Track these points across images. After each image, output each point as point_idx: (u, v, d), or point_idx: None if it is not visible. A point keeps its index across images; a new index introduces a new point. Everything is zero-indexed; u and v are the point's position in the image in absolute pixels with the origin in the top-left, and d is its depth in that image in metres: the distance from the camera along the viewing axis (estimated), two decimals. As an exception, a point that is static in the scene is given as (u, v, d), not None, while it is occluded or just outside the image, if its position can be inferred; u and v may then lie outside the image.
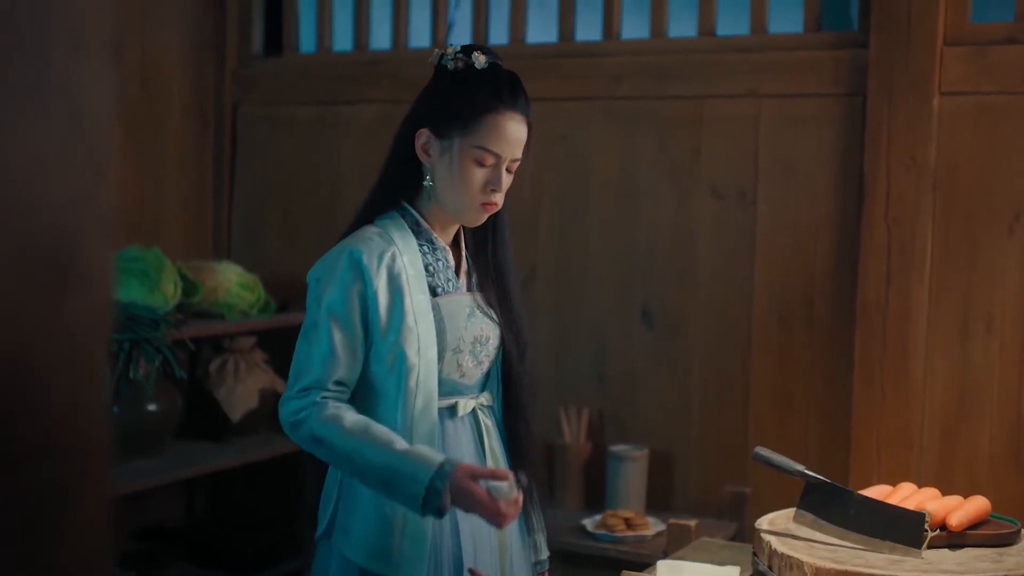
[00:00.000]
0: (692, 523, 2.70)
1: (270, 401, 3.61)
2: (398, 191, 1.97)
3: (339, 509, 1.93)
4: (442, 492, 1.74)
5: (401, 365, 1.89)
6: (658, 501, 3.27)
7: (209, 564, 3.58)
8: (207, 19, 3.87)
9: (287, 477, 3.71)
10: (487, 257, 2.04)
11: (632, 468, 3.21)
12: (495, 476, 1.78)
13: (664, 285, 3.31)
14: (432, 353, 1.92)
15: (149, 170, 3.72)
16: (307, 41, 3.96)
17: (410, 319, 1.89)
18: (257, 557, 3.59)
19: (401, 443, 1.81)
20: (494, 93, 1.90)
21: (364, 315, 1.89)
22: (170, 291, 3.23)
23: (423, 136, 1.93)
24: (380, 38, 3.89)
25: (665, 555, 2.46)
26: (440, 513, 1.77)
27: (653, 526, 3.10)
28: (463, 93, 1.90)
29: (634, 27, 3.46)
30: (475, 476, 1.76)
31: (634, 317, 3.35)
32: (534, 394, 2.11)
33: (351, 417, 1.84)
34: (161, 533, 3.69)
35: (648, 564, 2.11)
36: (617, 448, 3.24)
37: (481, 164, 1.91)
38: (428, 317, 1.92)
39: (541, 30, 3.59)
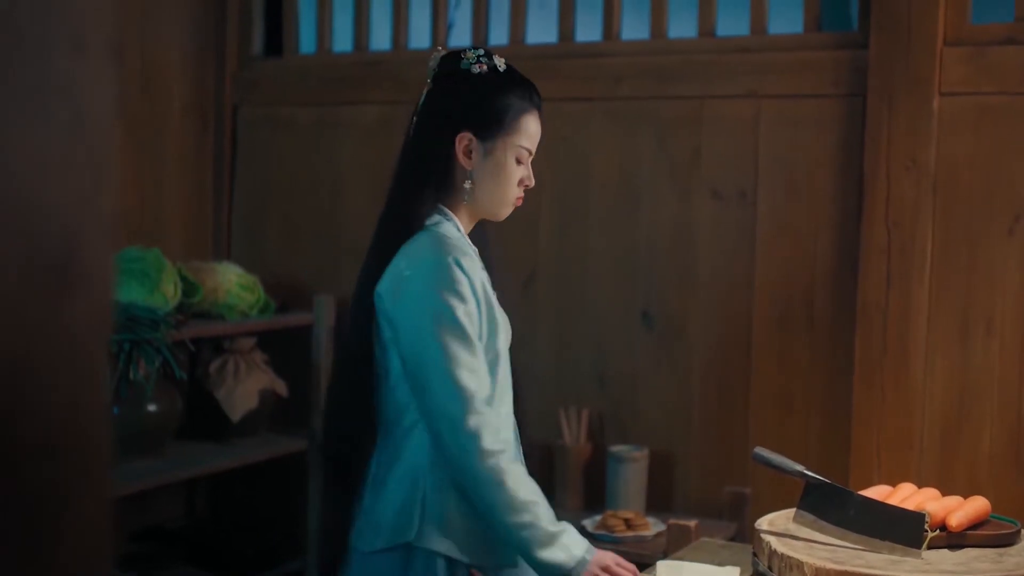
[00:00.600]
0: (692, 523, 2.70)
1: (270, 402, 3.61)
2: (434, 196, 1.99)
3: (426, 514, 1.92)
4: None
5: (497, 363, 1.96)
6: (658, 502, 3.27)
7: (209, 565, 3.58)
8: (207, 20, 3.87)
9: (287, 478, 3.71)
10: (483, 254, 2.07)
11: (632, 468, 3.21)
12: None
13: (664, 286, 3.31)
14: (506, 348, 2.02)
15: (149, 171, 3.72)
16: (307, 42, 3.95)
17: (498, 315, 1.97)
18: (257, 558, 3.59)
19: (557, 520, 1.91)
20: (525, 94, 2.00)
21: (479, 320, 1.93)
22: (170, 292, 3.23)
23: (465, 140, 1.97)
24: (380, 39, 3.89)
25: (665, 555, 2.46)
26: None
27: (653, 526, 3.10)
28: (500, 96, 1.97)
29: (634, 28, 3.46)
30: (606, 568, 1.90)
31: (634, 318, 3.35)
32: (522, 391, 2.15)
33: (523, 468, 1.91)
34: (161, 534, 3.69)
35: (648, 564, 2.11)
36: (617, 448, 3.24)
37: (519, 162, 2.01)
38: (504, 316, 2.00)
39: (541, 31, 3.59)
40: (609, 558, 1.91)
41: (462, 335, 1.87)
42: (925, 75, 2.92)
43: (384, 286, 1.93)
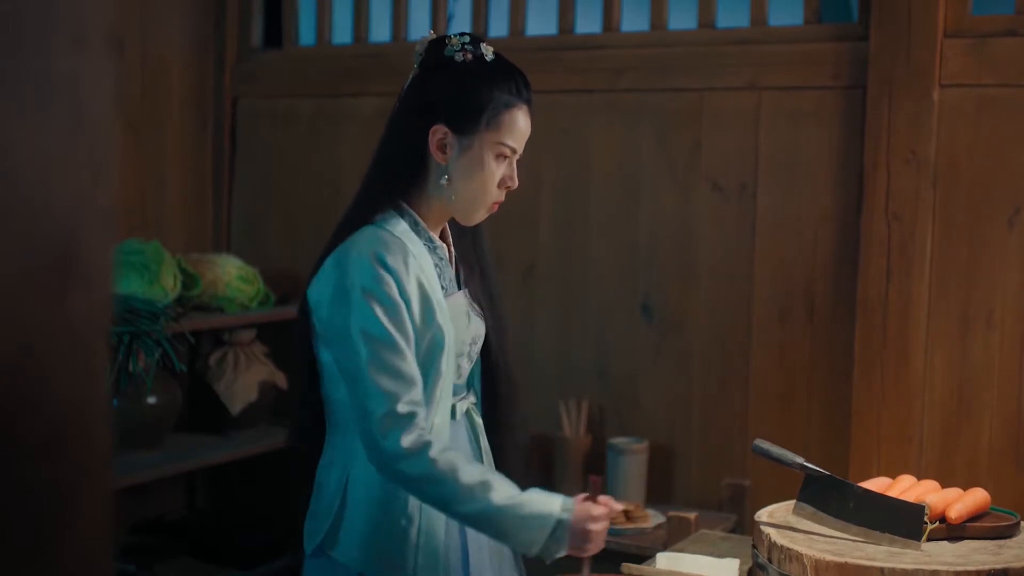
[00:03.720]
0: (692, 515, 2.71)
1: (270, 394, 3.61)
2: (397, 190, 1.88)
3: (342, 523, 1.85)
4: (566, 532, 1.74)
5: (431, 371, 1.82)
6: (658, 494, 3.27)
7: (209, 557, 3.58)
8: (206, 12, 3.87)
9: (287, 470, 3.71)
10: (467, 248, 1.98)
11: (632, 461, 3.21)
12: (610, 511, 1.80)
13: (664, 279, 3.31)
14: (454, 359, 1.87)
15: (149, 164, 3.71)
16: (307, 34, 3.95)
17: (440, 322, 1.82)
18: (257, 550, 3.59)
19: (516, 488, 1.76)
20: (511, 87, 1.85)
21: (409, 320, 1.79)
22: (169, 284, 3.23)
23: (439, 133, 1.84)
24: (380, 31, 3.88)
25: (665, 547, 2.46)
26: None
27: (653, 518, 3.10)
28: (482, 88, 1.83)
29: (634, 20, 3.46)
30: (592, 517, 1.76)
31: (634, 310, 3.35)
32: (517, 385, 2.07)
33: (462, 456, 1.77)
34: (161, 526, 3.69)
35: (648, 556, 2.11)
36: (617, 441, 3.25)
37: (501, 160, 1.86)
38: (449, 322, 1.84)
39: (541, 22, 3.58)
40: (587, 516, 1.76)
41: (381, 335, 1.74)
42: (925, 67, 2.92)
43: (313, 283, 1.84)
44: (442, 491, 1.73)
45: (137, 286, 3.16)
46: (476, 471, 1.75)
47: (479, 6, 3.59)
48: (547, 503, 1.74)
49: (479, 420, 2.00)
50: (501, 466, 1.99)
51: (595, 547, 1.76)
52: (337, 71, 3.78)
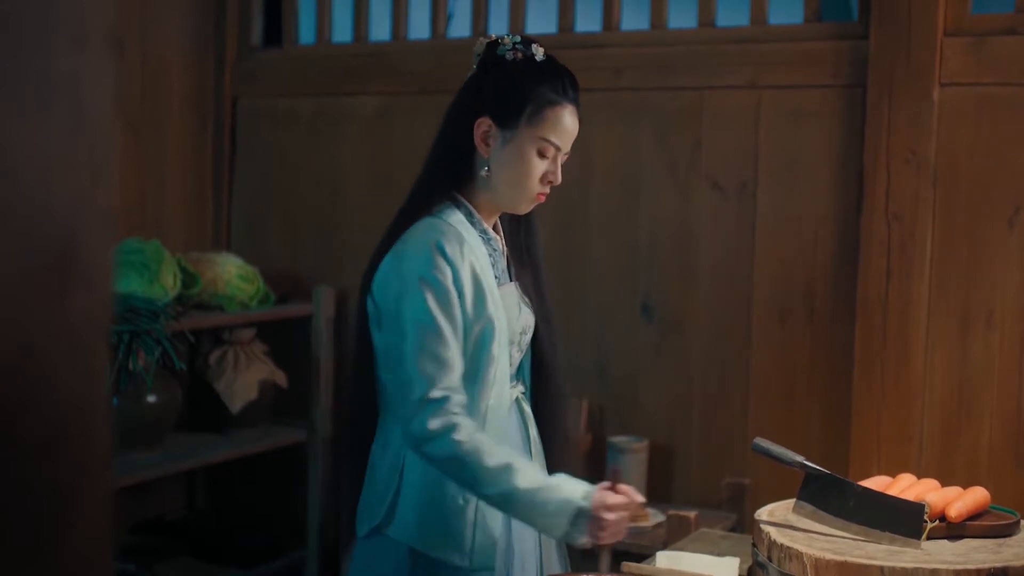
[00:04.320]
0: (692, 514, 2.71)
1: (269, 393, 3.61)
2: (450, 181, 1.95)
3: (399, 502, 1.90)
4: (586, 521, 1.76)
5: (483, 356, 1.88)
6: (658, 492, 3.27)
7: (209, 557, 3.59)
8: (206, 11, 3.87)
9: (287, 469, 3.72)
10: (520, 243, 2.05)
11: (632, 459, 3.21)
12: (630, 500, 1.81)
13: (664, 278, 3.31)
14: (506, 345, 1.93)
15: (149, 163, 3.71)
16: (307, 33, 3.95)
17: (491, 310, 1.89)
18: (258, 549, 3.59)
19: (542, 472, 1.82)
20: (558, 86, 1.92)
21: (461, 308, 1.86)
22: (169, 283, 3.23)
23: (484, 125, 1.92)
24: (380, 29, 3.88)
25: (665, 546, 2.46)
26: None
27: (653, 517, 3.10)
28: (527, 85, 1.90)
29: (634, 18, 3.45)
30: (609, 506, 1.77)
31: (634, 309, 3.35)
32: (565, 381, 2.12)
33: (490, 439, 1.81)
34: (161, 525, 3.69)
35: (648, 555, 2.11)
36: (617, 439, 3.25)
37: (543, 155, 1.92)
38: (502, 309, 1.92)
39: (540, 21, 3.58)
40: (602, 505, 1.78)
41: (429, 322, 1.82)
42: (925, 66, 2.92)
43: (377, 270, 1.92)
44: (467, 473, 1.78)
45: (137, 285, 3.16)
46: (502, 454, 1.79)
47: (479, 5, 3.58)
48: (571, 490, 1.78)
49: (528, 409, 2.05)
50: (549, 456, 2.05)
51: (610, 536, 1.78)
52: (337, 70, 3.78)
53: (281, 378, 3.63)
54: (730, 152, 3.22)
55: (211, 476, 3.87)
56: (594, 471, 3.32)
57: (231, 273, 3.45)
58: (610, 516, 1.77)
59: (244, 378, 3.53)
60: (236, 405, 3.51)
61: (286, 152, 3.86)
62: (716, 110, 3.23)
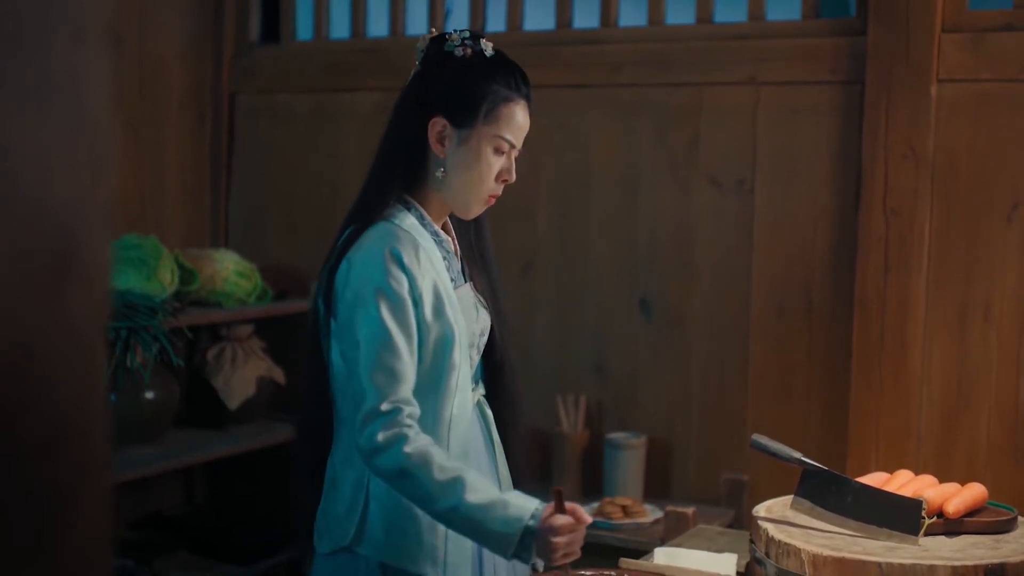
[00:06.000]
0: (690, 510, 2.71)
1: (267, 389, 3.61)
2: (401, 183, 1.90)
3: (367, 519, 1.85)
4: (533, 541, 1.70)
5: (444, 363, 1.83)
6: (656, 489, 3.28)
7: (208, 553, 3.58)
8: (204, 8, 3.86)
9: (286, 465, 3.71)
10: (471, 243, 2.00)
11: (630, 456, 3.21)
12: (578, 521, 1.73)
13: (663, 274, 3.31)
14: (467, 350, 1.88)
15: (147, 160, 3.71)
16: (304, 29, 3.95)
17: (450, 316, 1.84)
18: (256, 545, 3.59)
19: (493, 488, 1.75)
20: (511, 82, 1.87)
21: (416, 317, 1.81)
22: (167, 279, 3.23)
23: (438, 125, 1.86)
24: (378, 25, 3.88)
25: (662, 542, 2.46)
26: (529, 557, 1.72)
27: (651, 513, 3.11)
28: (481, 82, 1.85)
29: (632, 14, 3.45)
30: (555, 528, 1.70)
31: (632, 306, 3.35)
32: (519, 379, 2.08)
33: (441, 452, 1.75)
34: (159, 521, 3.69)
35: (645, 551, 2.12)
36: (615, 436, 3.25)
37: (499, 153, 1.88)
38: (460, 313, 1.87)
39: (539, 17, 3.58)
40: (548, 527, 1.70)
41: (382, 333, 1.76)
42: (923, 62, 2.92)
43: (328, 279, 1.85)
44: (415, 487, 1.72)
45: (135, 281, 3.16)
46: (452, 468, 1.73)
47: (477, 1, 3.58)
48: (520, 508, 1.72)
49: (490, 413, 2.00)
50: (509, 460, 2.01)
51: (560, 558, 1.71)
52: (335, 66, 3.77)
53: (279, 374, 3.62)
54: (729, 148, 3.22)
55: (209, 472, 3.87)
56: (593, 469, 3.33)
57: (229, 269, 3.44)
58: (556, 539, 1.69)
59: (242, 374, 3.53)
60: (234, 401, 3.51)
61: (284, 148, 3.86)
62: (714, 106, 3.23)
